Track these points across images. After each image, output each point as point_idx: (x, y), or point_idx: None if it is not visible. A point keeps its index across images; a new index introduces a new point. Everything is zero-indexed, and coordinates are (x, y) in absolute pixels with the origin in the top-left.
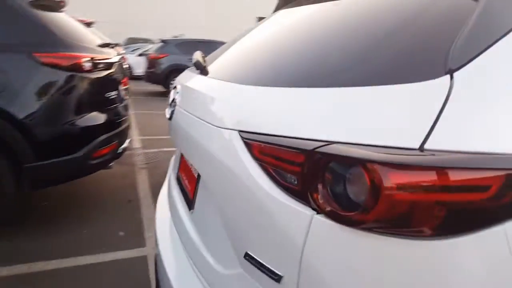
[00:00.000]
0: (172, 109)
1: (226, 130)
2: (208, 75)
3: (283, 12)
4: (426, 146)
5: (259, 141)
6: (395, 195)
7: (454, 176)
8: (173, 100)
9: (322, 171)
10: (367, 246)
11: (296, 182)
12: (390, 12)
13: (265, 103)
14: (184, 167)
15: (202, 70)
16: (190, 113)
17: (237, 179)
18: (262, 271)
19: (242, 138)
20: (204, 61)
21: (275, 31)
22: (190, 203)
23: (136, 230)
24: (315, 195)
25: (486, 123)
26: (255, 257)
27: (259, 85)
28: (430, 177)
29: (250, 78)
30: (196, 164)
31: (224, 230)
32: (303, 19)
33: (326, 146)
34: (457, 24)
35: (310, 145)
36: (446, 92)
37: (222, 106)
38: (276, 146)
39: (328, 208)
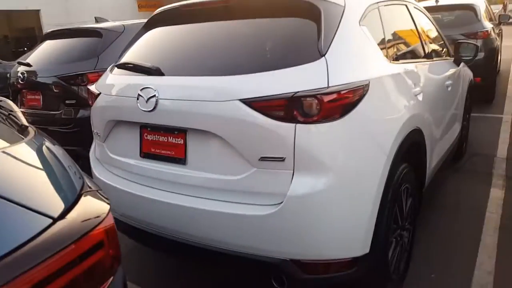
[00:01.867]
0: (154, 102)
1: (230, 101)
2: (170, 73)
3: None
4: (329, 84)
5: (255, 101)
6: (327, 104)
7: (344, 94)
8: (152, 96)
9: (297, 104)
10: (322, 129)
11: (282, 113)
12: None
13: (249, 82)
14: (151, 146)
15: (155, 70)
16: (185, 99)
17: (249, 122)
18: (272, 161)
19: (244, 102)
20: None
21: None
22: (180, 161)
23: None
24: (295, 116)
25: (348, 70)
26: (268, 155)
27: (231, 75)
28: (335, 95)
29: (222, 71)
30: (204, 127)
31: (235, 155)
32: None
33: (297, 93)
34: (318, 31)
35: (288, 95)
36: (325, 63)
37: (218, 89)
38: (268, 100)
39: (302, 119)
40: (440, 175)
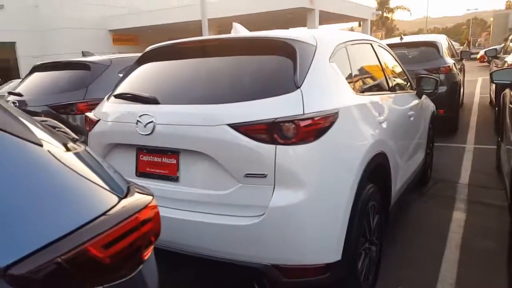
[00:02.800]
0: (152, 127)
1: (218, 126)
2: (165, 102)
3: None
4: (305, 112)
5: (241, 126)
6: (303, 128)
7: (317, 120)
8: (150, 122)
9: (278, 128)
10: (298, 150)
11: (264, 136)
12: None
13: (236, 110)
14: (147, 165)
15: (152, 99)
16: (178, 124)
17: (235, 144)
18: (256, 177)
19: (231, 126)
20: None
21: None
22: (173, 178)
23: None
24: (275, 138)
25: (320, 100)
26: (252, 172)
27: (220, 103)
28: (310, 121)
29: (212, 100)
30: (195, 148)
31: (223, 172)
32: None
33: (277, 119)
34: (294, 67)
35: (269, 121)
36: (301, 94)
37: (208, 116)
38: (252, 125)
39: (281, 141)
40: (406, 198)
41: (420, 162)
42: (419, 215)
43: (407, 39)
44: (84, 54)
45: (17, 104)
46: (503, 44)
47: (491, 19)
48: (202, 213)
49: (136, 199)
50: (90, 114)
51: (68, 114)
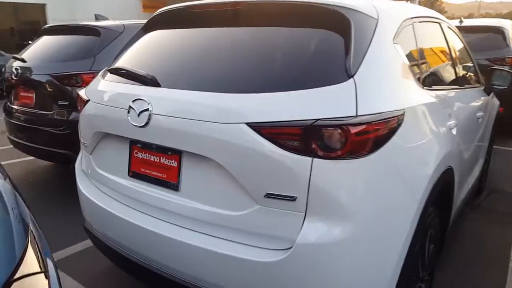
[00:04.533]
0: (146, 117)
1: (234, 124)
2: (167, 85)
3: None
4: (358, 113)
5: (265, 126)
6: (354, 137)
7: (375, 125)
8: (145, 110)
9: (317, 135)
10: (345, 167)
11: (297, 144)
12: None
13: (259, 103)
14: (141, 164)
15: (150, 80)
16: (182, 117)
17: (251, 151)
18: (281, 199)
19: (251, 126)
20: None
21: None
22: (172, 186)
23: None
24: (313, 149)
25: (380, 96)
26: (275, 192)
27: (238, 92)
28: (364, 127)
29: (228, 87)
30: (201, 151)
31: (236, 187)
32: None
33: (318, 121)
34: (346, 46)
35: (305, 123)
36: (354, 86)
37: (221, 109)
38: (281, 127)
39: (321, 153)
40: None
41: (480, 172)
42: (470, 235)
43: (467, 22)
44: (97, 17)
45: (19, 70)
46: None
47: None
48: (205, 236)
49: None
50: (82, 92)
51: (73, 86)
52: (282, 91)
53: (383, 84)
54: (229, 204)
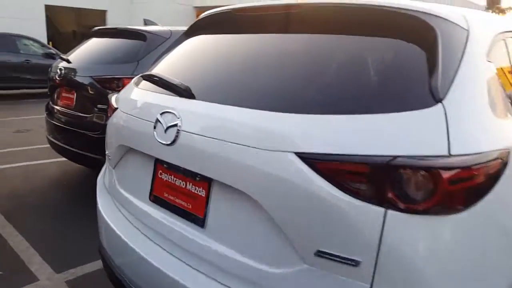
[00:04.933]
0: (174, 134)
1: (281, 152)
2: (202, 97)
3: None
4: (451, 151)
5: (322, 160)
6: (446, 184)
7: (475, 169)
8: (173, 125)
9: (395, 177)
10: (431, 225)
11: (365, 188)
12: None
13: (315, 128)
14: (165, 188)
15: (183, 90)
16: (215, 138)
17: (301, 191)
18: (337, 261)
19: (303, 158)
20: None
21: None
22: (197, 220)
23: (17, 266)
24: (389, 197)
25: (477, 129)
26: (331, 251)
27: (288, 112)
28: (459, 171)
29: (275, 105)
30: (236, 183)
31: (277, 236)
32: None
33: (397, 159)
34: (431, 62)
35: (379, 160)
36: (444, 114)
37: (264, 132)
38: (345, 163)
39: (400, 204)
40: None
41: None
42: None
43: None
44: (145, 22)
45: (63, 71)
46: None
47: None
48: None
49: None
50: (112, 98)
51: (113, 90)
52: (347, 114)
53: (479, 113)
54: (265, 257)
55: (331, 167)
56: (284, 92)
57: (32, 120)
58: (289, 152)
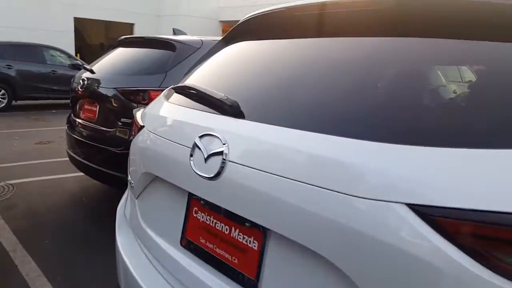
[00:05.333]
0: (219, 165)
1: (378, 202)
2: (254, 117)
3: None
4: None
5: (455, 218)
6: None
7: None
8: (218, 153)
9: None
10: None
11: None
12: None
13: (440, 167)
14: (201, 232)
15: (233, 109)
16: (276, 174)
17: (414, 259)
18: None
19: (416, 211)
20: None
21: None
22: (247, 282)
23: None
24: None
25: None
26: None
27: (392, 142)
28: None
29: (369, 130)
30: (301, 239)
31: None
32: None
33: None
34: None
35: None
36: None
37: (356, 169)
38: (485, 224)
39: None
40: None
41: None
42: None
43: None
44: (175, 32)
45: (86, 82)
46: None
47: None
48: None
49: None
50: (138, 114)
51: (138, 103)
52: (478, 148)
53: None
54: None
55: (466, 228)
56: (381, 111)
57: (55, 131)
58: (396, 202)
